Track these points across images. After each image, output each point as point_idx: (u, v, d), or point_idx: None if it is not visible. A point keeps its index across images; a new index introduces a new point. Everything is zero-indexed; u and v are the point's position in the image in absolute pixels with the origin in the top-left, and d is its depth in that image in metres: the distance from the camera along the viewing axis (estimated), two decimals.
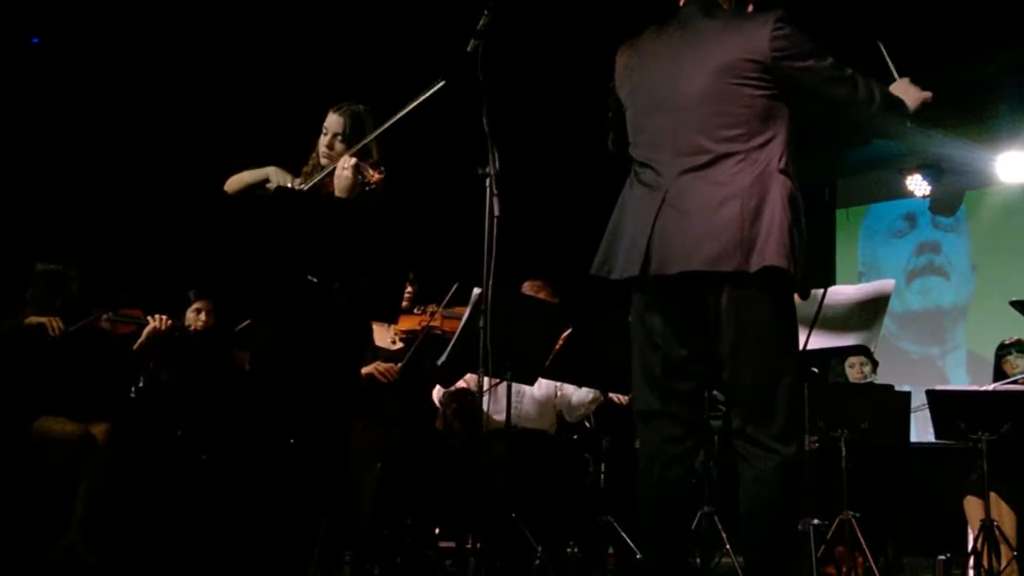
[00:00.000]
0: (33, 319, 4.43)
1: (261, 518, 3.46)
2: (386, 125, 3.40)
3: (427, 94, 3.24)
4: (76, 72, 5.89)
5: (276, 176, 3.49)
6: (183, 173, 6.08)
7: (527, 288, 4.85)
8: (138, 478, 4.58)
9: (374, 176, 3.36)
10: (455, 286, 4.49)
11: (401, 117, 3.34)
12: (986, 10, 5.92)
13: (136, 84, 6.03)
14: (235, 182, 3.52)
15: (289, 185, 3.42)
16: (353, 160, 3.36)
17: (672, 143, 2.61)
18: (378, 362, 4.55)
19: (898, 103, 2.70)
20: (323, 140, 3.52)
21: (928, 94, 2.77)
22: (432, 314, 4.58)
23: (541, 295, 4.78)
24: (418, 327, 4.59)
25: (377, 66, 6.17)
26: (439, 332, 4.52)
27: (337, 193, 3.37)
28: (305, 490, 3.32)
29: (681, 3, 2.77)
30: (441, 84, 3.19)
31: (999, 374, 4.95)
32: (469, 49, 2.93)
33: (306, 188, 3.42)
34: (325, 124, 3.53)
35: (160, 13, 5.75)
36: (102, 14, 5.67)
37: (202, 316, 4.92)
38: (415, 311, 4.67)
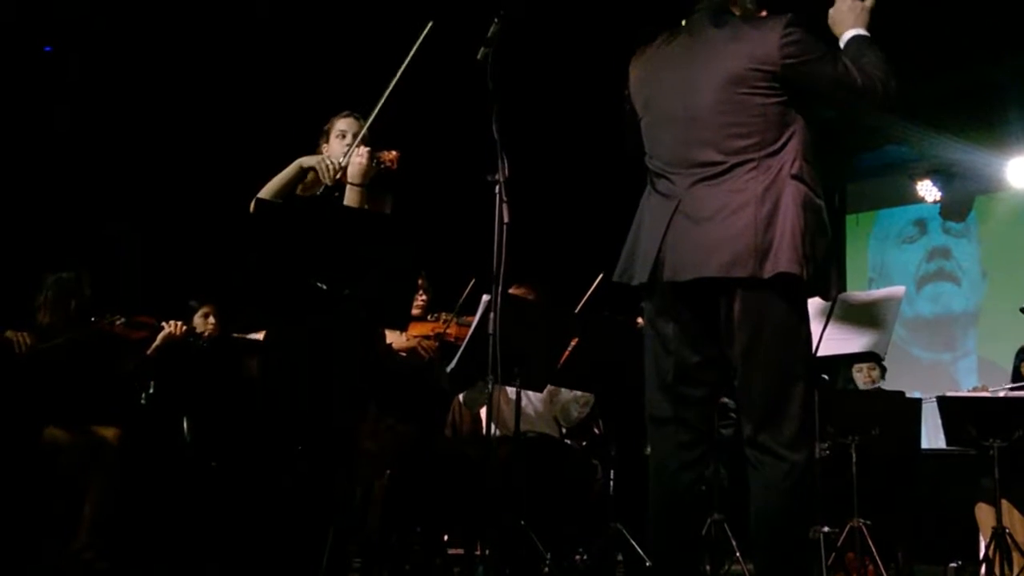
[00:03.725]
0: (10, 333, 4.42)
1: (270, 525, 3.46)
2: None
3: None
4: (85, 82, 5.91)
5: (308, 162, 3.52)
6: (186, 179, 6.11)
7: (513, 292, 4.80)
8: (147, 484, 4.59)
9: (389, 155, 3.48)
10: (472, 282, 4.43)
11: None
12: (995, 14, 5.91)
13: (143, 94, 6.05)
14: (268, 191, 3.51)
15: (325, 164, 3.45)
16: (367, 148, 3.46)
17: (685, 154, 2.62)
18: (421, 337, 4.54)
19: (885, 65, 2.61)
20: (341, 142, 3.59)
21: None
22: (445, 321, 4.57)
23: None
24: (430, 333, 4.58)
25: (383, 72, 6.18)
26: (452, 339, 4.51)
27: (351, 180, 3.45)
28: (313, 497, 3.31)
29: None
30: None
31: (1017, 379, 4.91)
32: (479, 57, 2.94)
33: (329, 183, 3.47)
34: (340, 128, 3.63)
35: (167, 19, 5.77)
36: (109, 20, 5.69)
37: (210, 320, 4.94)
38: (428, 318, 4.66)
